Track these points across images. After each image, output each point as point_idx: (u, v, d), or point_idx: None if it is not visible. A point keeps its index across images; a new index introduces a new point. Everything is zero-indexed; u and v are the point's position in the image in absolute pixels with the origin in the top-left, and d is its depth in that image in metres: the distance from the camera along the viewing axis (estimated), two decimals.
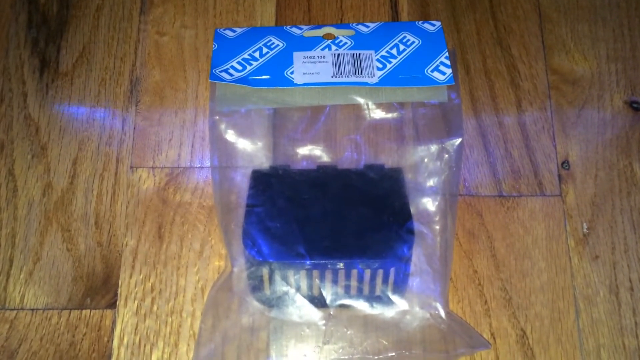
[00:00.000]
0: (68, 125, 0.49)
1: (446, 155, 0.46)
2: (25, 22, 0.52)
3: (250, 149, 0.47)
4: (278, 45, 0.49)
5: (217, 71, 0.48)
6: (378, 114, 0.48)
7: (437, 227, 0.44)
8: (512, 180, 0.47)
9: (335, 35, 0.50)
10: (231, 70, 0.48)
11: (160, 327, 0.44)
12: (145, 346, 0.43)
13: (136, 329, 0.44)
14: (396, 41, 0.50)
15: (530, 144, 0.48)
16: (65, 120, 0.49)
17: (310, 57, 0.49)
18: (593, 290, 0.45)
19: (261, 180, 0.45)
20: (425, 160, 0.46)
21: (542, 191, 0.47)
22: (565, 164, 0.48)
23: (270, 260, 0.41)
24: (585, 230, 0.46)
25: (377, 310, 0.42)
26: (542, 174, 0.48)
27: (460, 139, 0.46)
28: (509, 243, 0.46)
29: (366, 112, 0.48)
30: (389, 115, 0.48)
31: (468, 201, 0.47)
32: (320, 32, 0.50)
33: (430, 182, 0.46)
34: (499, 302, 0.44)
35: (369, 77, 0.48)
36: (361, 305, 0.42)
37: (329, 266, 0.41)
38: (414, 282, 0.42)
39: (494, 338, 0.43)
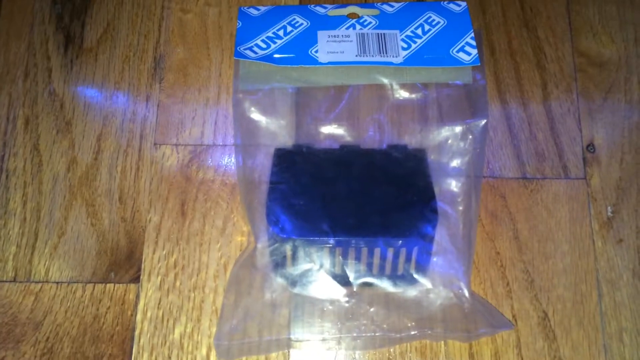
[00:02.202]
0: (92, 102, 0.49)
1: (470, 137, 0.46)
2: None
3: (273, 127, 0.47)
4: (302, 24, 0.49)
5: (241, 49, 0.47)
6: (402, 94, 0.48)
7: (461, 207, 0.44)
8: (536, 163, 0.47)
9: (360, 15, 0.50)
10: (255, 48, 0.48)
11: (183, 303, 0.44)
12: (168, 321, 0.44)
13: (159, 303, 0.44)
14: (421, 21, 0.49)
15: (555, 126, 0.48)
16: (90, 97, 0.50)
17: (334, 36, 0.48)
18: (616, 273, 0.44)
19: (285, 158, 0.45)
20: (449, 141, 0.46)
21: (567, 174, 0.47)
22: (590, 147, 0.48)
23: (294, 237, 0.41)
24: (609, 213, 0.46)
25: (400, 288, 0.42)
26: (567, 157, 0.47)
27: (484, 121, 0.45)
28: (532, 225, 0.46)
29: (390, 92, 0.48)
30: (413, 96, 0.48)
31: (491, 183, 0.47)
32: (344, 11, 0.50)
33: (454, 163, 0.45)
34: (521, 284, 0.44)
35: (393, 56, 0.47)
36: (384, 284, 0.42)
37: (352, 244, 0.41)
38: (437, 261, 0.42)
39: (516, 320, 0.43)
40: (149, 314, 0.44)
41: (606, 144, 0.48)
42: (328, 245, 0.41)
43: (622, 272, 0.44)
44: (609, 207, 0.46)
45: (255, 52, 0.47)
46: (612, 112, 0.48)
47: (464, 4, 0.50)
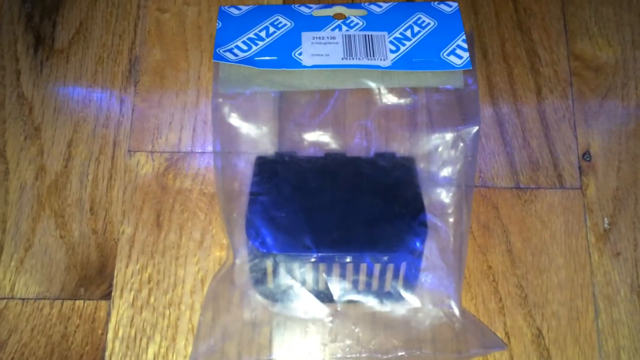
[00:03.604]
0: (63, 106, 0.47)
1: (461, 144, 0.44)
2: None
3: (255, 133, 0.44)
4: (286, 24, 0.47)
5: (221, 51, 0.45)
6: (390, 99, 0.46)
7: (451, 219, 0.41)
8: (530, 172, 0.45)
9: (346, 15, 0.48)
10: (236, 50, 0.45)
11: (157, 320, 0.42)
12: (141, 340, 0.41)
13: (132, 321, 0.42)
14: (410, 22, 0.47)
15: (549, 133, 0.46)
16: (61, 100, 0.47)
17: (319, 38, 0.46)
18: (614, 288, 0.42)
19: (266, 167, 0.42)
20: (439, 149, 0.44)
21: (562, 184, 0.45)
22: (586, 155, 0.45)
23: (275, 252, 0.38)
24: (606, 225, 0.44)
25: (387, 307, 0.39)
26: (562, 166, 0.45)
27: (476, 127, 0.43)
28: (525, 238, 0.43)
29: (377, 97, 0.46)
30: (402, 101, 0.46)
31: (483, 193, 0.45)
32: (330, 12, 0.48)
33: (444, 172, 0.43)
34: (514, 300, 0.42)
35: (381, 59, 0.45)
36: (370, 302, 0.40)
37: (337, 259, 0.38)
38: (426, 278, 0.40)
39: (509, 337, 0.41)
40: (120, 333, 0.41)
41: (602, 152, 0.46)
42: (311, 261, 0.38)
43: (620, 287, 0.42)
44: (605, 219, 0.44)
45: (236, 55, 0.45)
46: (608, 119, 0.46)
47: (455, 4, 0.48)
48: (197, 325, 0.41)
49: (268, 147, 0.44)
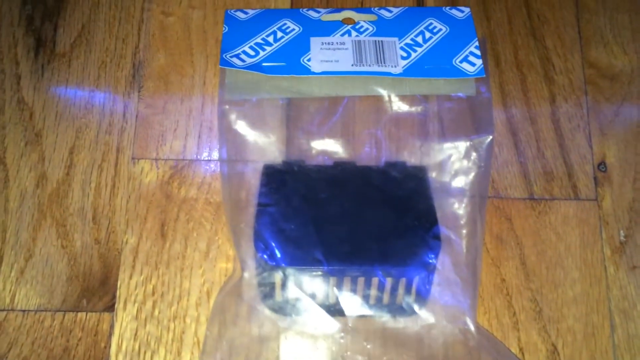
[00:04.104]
0: (65, 111, 0.45)
1: (474, 154, 0.42)
2: None
3: (262, 141, 0.43)
4: (294, 29, 0.46)
5: (227, 56, 0.44)
6: (400, 106, 0.45)
7: (465, 232, 0.40)
8: (544, 182, 0.44)
9: (356, 20, 0.46)
10: (243, 56, 0.44)
11: (161, 333, 0.40)
12: (145, 353, 0.40)
13: (136, 334, 0.40)
14: (422, 28, 0.46)
15: (564, 143, 0.45)
16: (62, 106, 0.46)
17: (328, 44, 0.45)
18: (630, 303, 0.41)
19: (274, 177, 0.41)
20: (452, 158, 0.43)
21: (577, 195, 0.44)
22: (601, 166, 0.44)
23: (284, 265, 0.37)
24: (622, 238, 0.43)
25: (400, 322, 0.38)
26: (577, 176, 0.44)
27: (490, 137, 0.42)
28: (540, 250, 0.42)
29: (387, 104, 0.45)
30: (412, 109, 0.45)
31: (496, 204, 0.43)
32: (339, 16, 0.47)
33: (457, 183, 0.42)
34: (528, 315, 0.41)
35: (392, 66, 0.44)
36: (383, 317, 0.38)
37: (348, 273, 0.37)
38: (441, 293, 0.39)
39: (523, 353, 0.40)
40: (124, 346, 0.40)
41: (618, 162, 0.45)
42: (321, 275, 0.37)
43: (636, 302, 0.41)
44: (621, 231, 0.43)
45: (243, 60, 0.44)
46: (624, 128, 0.45)
47: (467, 10, 0.47)
48: (203, 339, 0.40)
49: (275, 155, 0.43)
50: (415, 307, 0.38)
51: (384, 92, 0.44)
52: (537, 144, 0.45)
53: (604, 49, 0.47)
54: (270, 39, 0.45)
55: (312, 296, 0.38)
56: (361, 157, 0.43)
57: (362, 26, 0.46)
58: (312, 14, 0.47)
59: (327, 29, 0.46)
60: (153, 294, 0.41)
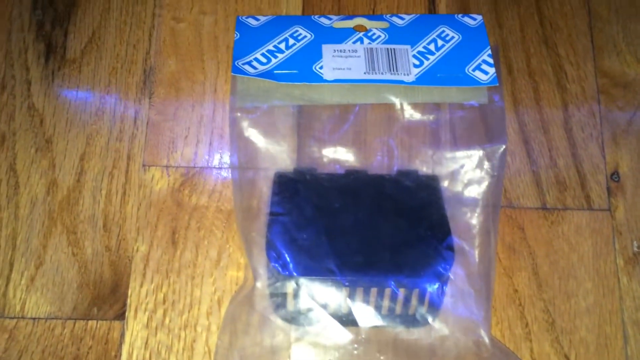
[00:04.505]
0: (75, 118, 0.45)
1: (487, 163, 0.42)
2: (30, 3, 0.48)
3: (273, 149, 0.43)
4: (306, 36, 0.45)
5: (239, 63, 0.44)
6: (412, 115, 0.44)
7: (478, 242, 0.40)
8: (557, 192, 0.44)
9: (368, 28, 0.46)
10: (255, 63, 0.44)
11: (172, 342, 0.40)
12: None
13: (146, 343, 0.40)
14: (434, 36, 0.46)
15: (577, 152, 0.45)
16: (73, 112, 0.45)
17: (340, 51, 0.45)
18: None
19: (286, 185, 0.41)
20: (464, 167, 0.43)
21: (590, 205, 0.43)
22: (614, 176, 0.44)
23: (297, 275, 0.37)
24: (635, 248, 0.42)
25: (414, 334, 0.38)
26: (590, 186, 0.44)
27: (503, 146, 0.42)
28: (552, 260, 0.42)
29: (399, 112, 0.44)
30: (424, 117, 0.45)
31: (508, 213, 0.43)
32: (351, 24, 0.46)
33: (470, 192, 0.42)
34: (541, 325, 0.41)
35: (404, 74, 0.44)
36: (397, 328, 0.38)
37: (361, 283, 0.37)
38: (454, 305, 0.38)
39: None
40: (134, 355, 0.40)
41: (631, 172, 0.44)
42: (334, 285, 0.37)
43: None
44: (634, 242, 0.43)
45: (255, 68, 0.43)
46: (637, 138, 0.45)
47: (479, 17, 0.47)
48: (214, 349, 0.40)
49: (287, 163, 0.43)
50: (429, 318, 0.38)
51: (395, 100, 0.44)
52: (550, 152, 0.45)
53: (616, 57, 0.47)
54: (282, 46, 0.45)
55: (325, 306, 0.38)
56: (373, 166, 0.43)
57: (374, 33, 0.46)
58: (324, 20, 0.46)
59: (339, 36, 0.45)
60: (164, 302, 0.41)
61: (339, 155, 0.43)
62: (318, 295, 0.37)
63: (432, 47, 0.45)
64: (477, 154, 0.43)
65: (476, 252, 0.40)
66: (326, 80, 0.43)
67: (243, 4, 0.48)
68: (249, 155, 0.43)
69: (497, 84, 0.43)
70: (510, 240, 0.43)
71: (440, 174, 0.43)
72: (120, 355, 0.40)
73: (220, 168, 0.44)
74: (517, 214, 0.43)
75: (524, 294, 0.41)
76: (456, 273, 0.39)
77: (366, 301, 0.38)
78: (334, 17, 0.47)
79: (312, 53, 0.45)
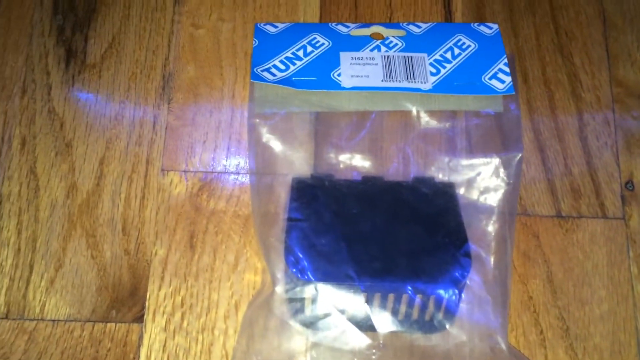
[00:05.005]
0: (95, 122, 0.46)
1: (502, 171, 0.43)
2: (51, 8, 0.49)
3: (291, 155, 0.44)
4: (323, 44, 0.46)
5: (258, 70, 0.44)
6: (428, 122, 0.45)
7: (495, 249, 0.41)
8: (571, 200, 0.44)
9: (385, 36, 0.47)
10: (274, 70, 0.44)
11: (190, 345, 0.41)
12: None
13: (164, 345, 0.41)
14: (451, 44, 0.46)
15: (591, 160, 0.45)
16: (92, 116, 0.46)
17: (358, 59, 0.45)
18: None
19: (304, 191, 0.41)
20: (480, 175, 0.43)
21: (604, 213, 0.44)
22: (629, 185, 0.45)
23: (315, 280, 0.38)
24: None
25: (432, 340, 0.38)
26: (604, 194, 0.44)
27: (519, 154, 0.42)
28: (567, 268, 0.43)
29: (416, 120, 0.45)
30: (440, 125, 0.45)
31: (523, 221, 0.44)
32: (368, 31, 0.47)
33: (485, 200, 0.42)
34: (555, 332, 0.41)
35: (422, 82, 0.44)
36: (415, 334, 0.39)
37: (379, 289, 0.37)
38: (472, 311, 0.39)
39: None
40: (152, 357, 0.40)
41: None
42: (353, 291, 0.37)
43: None
44: None
45: (274, 75, 0.44)
46: None
47: (495, 26, 0.47)
48: (230, 351, 0.40)
49: (304, 169, 0.43)
50: (446, 324, 0.38)
51: (412, 108, 0.45)
52: (565, 161, 0.45)
53: (631, 67, 0.48)
54: (300, 53, 0.45)
55: (343, 311, 0.38)
56: (389, 173, 0.44)
57: (391, 41, 0.46)
58: (341, 28, 0.47)
59: (357, 44, 0.46)
60: (182, 305, 0.41)
61: (355, 161, 0.44)
62: (336, 301, 0.38)
63: (448, 55, 0.46)
64: (493, 161, 0.43)
65: (492, 259, 0.40)
66: (344, 88, 0.44)
67: (261, 11, 0.49)
68: (266, 161, 0.43)
69: (513, 93, 0.44)
70: (525, 247, 0.43)
71: (456, 181, 0.43)
72: (139, 357, 0.40)
73: (237, 173, 0.45)
74: (532, 221, 0.44)
75: (539, 301, 0.42)
76: (473, 280, 0.39)
77: (384, 307, 0.38)
78: (351, 25, 0.47)
79: (330, 60, 0.45)
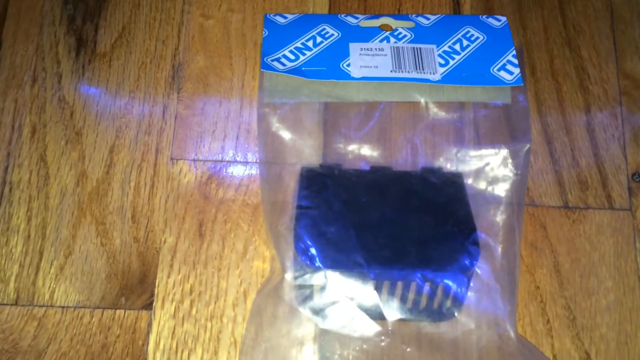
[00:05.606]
0: (105, 111, 0.46)
1: (510, 162, 0.43)
2: None
3: (300, 144, 0.44)
4: (333, 34, 0.46)
5: (268, 60, 0.44)
6: (436, 113, 0.45)
7: (503, 239, 0.41)
8: (578, 191, 0.44)
9: (394, 27, 0.47)
10: (283, 60, 0.44)
11: (199, 332, 0.41)
12: (182, 352, 0.41)
13: (173, 333, 0.41)
14: (459, 36, 0.46)
15: (599, 152, 0.45)
16: (102, 105, 0.46)
17: (367, 49, 0.45)
18: None
19: (313, 180, 0.42)
20: (488, 166, 0.43)
21: (611, 204, 0.44)
22: (635, 176, 0.45)
23: (325, 268, 0.38)
24: None
25: (440, 327, 0.39)
26: (611, 186, 0.44)
27: (527, 145, 0.43)
28: (574, 258, 0.43)
29: (424, 110, 0.45)
30: (449, 116, 0.45)
31: (531, 211, 0.44)
32: (377, 23, 0.47)
33: (493, 190, 0.42)
34: (562, 322, 0.41)
35: (430, 73, 0.44)
36: (423, 322, 0.39)
37: (388, 277, 0.38)
38: (480, 300, 0.39)
39: None
40: (161, 344, 0.41)
41: None
42: (362, 278, 0.38)
43: None
44: None
45: (284, 64, 0.44)
46: None
47: (504, 19, 0.47)
48: (239, 339, 0.40)
49: (313, 159, 0.44)
50: (455, 312, 0.39)
51: (421, 99, 0.45)
52: (572, 152, 0.45)
53: (639, 60, 0.48)
54: (310, 43, 0.45)
55: (352, 299, 0.38)
56: (397, 162, 0.44)
57: (400, 32, 0.46)
58: (350, 19, 0.47)
59: (366, 35, 0.46)
60: (191, 293, 0.42)
61: (364, 151, 0.44)
62: (345, 288, 0.38)
63: (457, 47, 0.46)
64: (501, 152, 0.43)
65: (500, 248, 0.41)
66: (353, 78, 0.44)
67: (270, 2, 0.49)
68: (276, 150, 0.44)
69: (522, 84, 0.44)
70: (533, 238, 0.43)
71: (464, 171, 0.43)
72: (148, 344, 0.41)
73: (246, 162, 0.45)
74: (539, 212, 0.44)
75: (546, 291, 0.42)
76: (481, 268, 0.39)
77: (392, 294, 0.38)
78: (360, 16, 0.47)
79: (339, 51, 0.45)
